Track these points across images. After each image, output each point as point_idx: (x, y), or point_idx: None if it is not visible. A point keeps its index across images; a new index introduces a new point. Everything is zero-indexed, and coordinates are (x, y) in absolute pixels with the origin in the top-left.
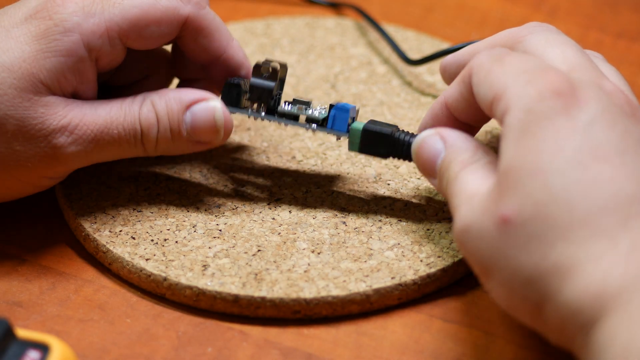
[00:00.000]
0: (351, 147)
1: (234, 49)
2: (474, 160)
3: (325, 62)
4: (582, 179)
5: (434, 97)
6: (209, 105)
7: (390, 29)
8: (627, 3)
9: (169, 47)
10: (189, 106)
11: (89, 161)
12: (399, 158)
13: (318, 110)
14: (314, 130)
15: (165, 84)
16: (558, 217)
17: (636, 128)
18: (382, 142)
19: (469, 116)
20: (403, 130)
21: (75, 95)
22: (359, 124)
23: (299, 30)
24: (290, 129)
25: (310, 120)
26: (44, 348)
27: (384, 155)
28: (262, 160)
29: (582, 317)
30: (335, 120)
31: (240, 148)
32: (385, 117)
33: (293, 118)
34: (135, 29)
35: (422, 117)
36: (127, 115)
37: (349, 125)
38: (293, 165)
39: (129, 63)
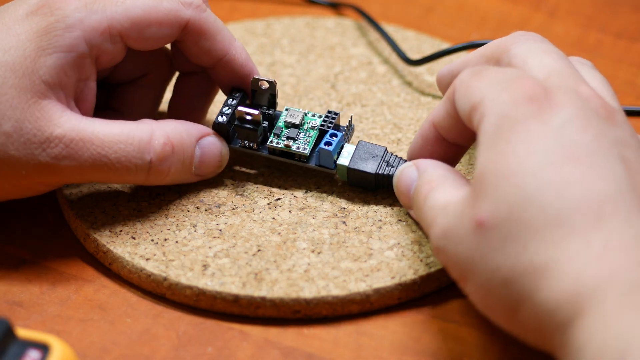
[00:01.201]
0: (342, 178)
1: (236, 50)
2: (442, 181)
3: (325, 62)
4: (554, 179)
5: (434, 97)
6: (216, 140)
7: (390, 29)
8: (627, 3)
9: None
10: (197, 140)
11: (84, 179)
12: (387, 189)
13: (303, 145)
14: (303, 165)
15: (166, 80)
16: (531, 217)
17: (611, 130)
18: (367, 178)
19: (456, 135)
20: (390, 157)
21: (76, 96)
22: (346, 158)
23: (299, 30)
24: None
25: (298, 156)
26: (44, 348)
27: (373, 190)
28: (262, 160)
29: (558, 316)
30: (321, 158)
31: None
32: (386, 117)
33: (282, 152)
34: (136, 28)
35: (422, 117)
36: (129, 142)
37: (335, 161)
38: (293, 165)
39: (130, 60)
